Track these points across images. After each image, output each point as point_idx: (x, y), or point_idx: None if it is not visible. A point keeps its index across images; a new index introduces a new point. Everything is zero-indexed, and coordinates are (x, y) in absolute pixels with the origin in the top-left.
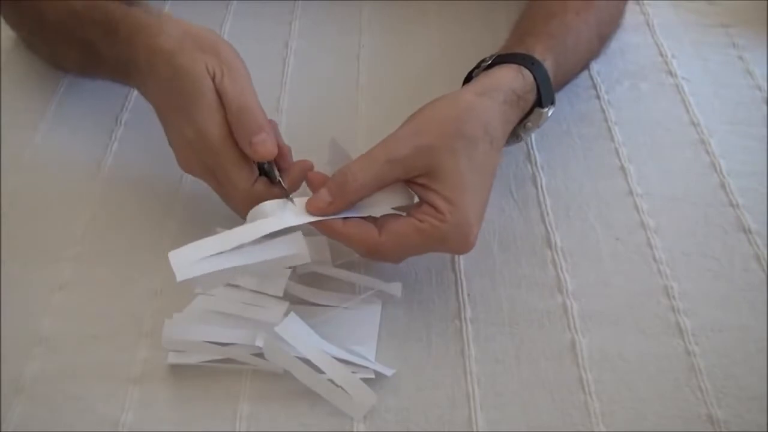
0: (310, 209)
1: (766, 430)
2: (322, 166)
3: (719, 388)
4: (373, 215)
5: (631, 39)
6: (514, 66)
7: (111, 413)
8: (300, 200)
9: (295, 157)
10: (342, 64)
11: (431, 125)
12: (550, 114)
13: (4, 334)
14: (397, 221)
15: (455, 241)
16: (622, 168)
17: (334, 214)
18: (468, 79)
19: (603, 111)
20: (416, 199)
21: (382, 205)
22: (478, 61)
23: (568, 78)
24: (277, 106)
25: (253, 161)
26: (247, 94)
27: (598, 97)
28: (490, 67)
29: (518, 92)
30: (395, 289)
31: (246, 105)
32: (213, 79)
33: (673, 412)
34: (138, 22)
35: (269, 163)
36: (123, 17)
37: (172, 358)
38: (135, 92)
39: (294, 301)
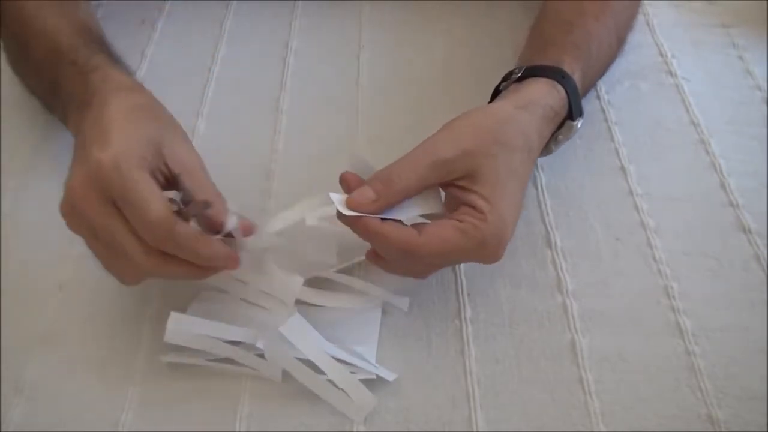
0: (351, 204)
1: (766, 430)
2: (322, 166)
3: (719, 388)
4: (403, 220)
5: (631, 39)
6: (548, 81)
7: (111, 413)
8: (337, 197)
9: (295, 157)
10: (342, 64)
11: (472, 131)
12: (579, 126)
13: (4, 334)
14: (436, 223)
15: (492, 244)
16: (622, 168)
17: (375, 212)
18: (496, 91)
19: (603, 111)
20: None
21: (413, 210)
22: (474, 59)
23: (591, 85)
24: (277, 106)
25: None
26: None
27: (598, 97)
28: (520, 79)
29: (555, 108)
30: (402, 303)
31: (201, 170)
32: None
33: (673, 412)
34: (110, 74)
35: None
36: (99, 66)
37: (170, 357)
38: None
39: (296, 301)
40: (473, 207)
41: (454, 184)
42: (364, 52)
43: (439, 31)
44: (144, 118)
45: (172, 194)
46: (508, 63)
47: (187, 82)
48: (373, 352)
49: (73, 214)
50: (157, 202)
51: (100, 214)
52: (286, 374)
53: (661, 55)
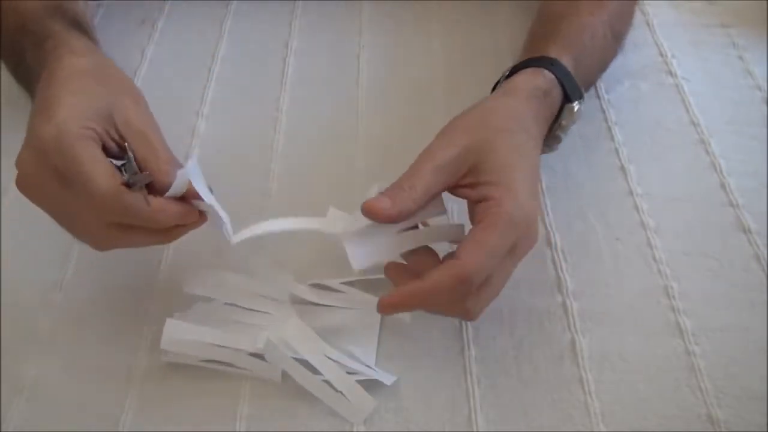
0: (367, 209)
1: (766, 430)
2: (322, 166)
3: (719, 388)
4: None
5: (631, 39)
6: (532, 69)
7: (111, 413)
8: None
9: (295, 157)
10: (342, 64)
11: (463, 128)
12: (579, 108)
13: (4, 334)
14: (464, 240)
15: (522, 223)
16: (622, 168)
17: (392, 220)
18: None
19: (603, 111)
20: (449, 212)
21: (416, 218)
22: (474, 59)
23: (590, 77)
24: (277, 106)
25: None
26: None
27: (598, 97)
28: (509, 77)
29: (542, 88)
30: (404, 315)
31: (154, 132)
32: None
33: (673, 412)
34: (62, 40)
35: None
36: (52, 34)
37: (170, 357)
38: None
39: (294, 301)
40: (486, 199)
41: (462, 185)
42: (364, 52)
43: (439, 31)
44: (92, 84)
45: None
46: (507, 62)
47: (187, 82)
48: (373, 353)
49: (28, 189)
50: (100, 176)
51: (50, 189)
52: (285, 375)
53: (661, 55)
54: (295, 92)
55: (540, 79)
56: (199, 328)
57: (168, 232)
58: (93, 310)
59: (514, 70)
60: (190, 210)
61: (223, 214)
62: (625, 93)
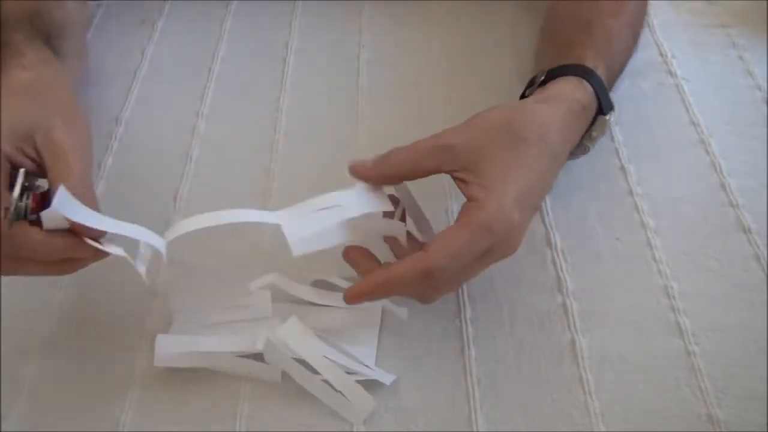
0: (353, 167)
1: (766, 430)
2: (322, 166)
3: (719, 388)
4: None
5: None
6: (574, 78)
7: (111, 413)
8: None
9: (295, 157)
10: (342, 64)
11: (484, 123)
12: (612, 120)
13: (4, 334)
14: (438, 235)
15: (499, 229)
16: (622, 168)
17: (370, 178)
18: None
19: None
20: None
21: (359, 208)
22: (474, 59)
23: (613, 82)
24: (277, 106)
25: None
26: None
27: None
28: (544, 83)
29: (583, 102)
30: (401, 312)
31: (75, 156)
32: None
33: (673, 412)
34: (17, 51)
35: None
36: (9, 43)
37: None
38: (135, 94)
39: (293, 301)
40: (472, 199)
41: (456, 177)
42: (364, 52)
43: (440, 31)
44: (22, 101)
45: (40, 181)
46: (507, 62)
47: (187, 82)
48: (373, 353)
49: None
50: None
51: None
52: (285, 375)
53: (661, 55)
54: (295, 92)
55: (582, 92)
56: (192, 338)
57: (62, 265)
58: (93, 309)
59: (552, 74)
60: (78, 244)
61: (138, 234)
62: (625, 93)
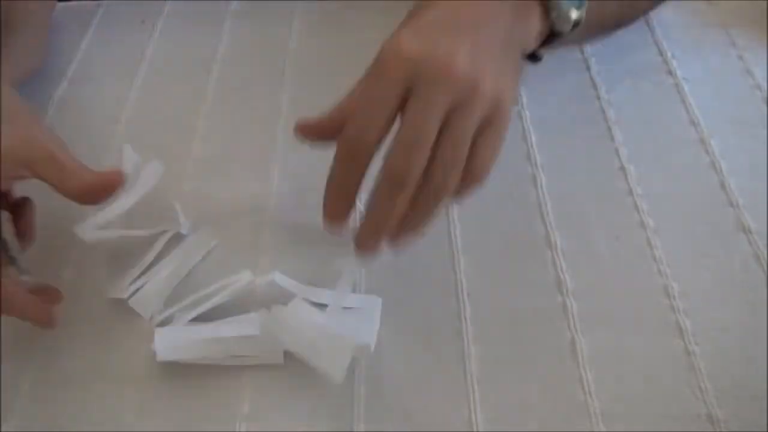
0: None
1: (766, 430)
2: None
3: (719, 388)
4: None
5: (630, 38)
6: None
7: (111, 413)
8: None
9: (295, 158)
10: (342, 64)
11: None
12: (576, 12)
13: (4, 334)
14: None
15: (386, 57)
16: (622, 168)
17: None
18: None
19: (603, 111)
20: None
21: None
22: None
23: (607, 10)
24: (277, 106)
25: None
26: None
27: (598, 97)
28: None
29: None
30: (374, 302)
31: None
32: None
33: (673, 412)
34: None
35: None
36: None
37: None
38: (136, 94)
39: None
40: None
41: None
42: (365, 52)
43: None
44: None
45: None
46: None
47: (187, 82)
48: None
49: None
50: None
51: None
52: (285, 366)
53: (661, 55)
54: (295, 92)
55: None
56: (190, 328)
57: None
58: (93, 309)
59: None
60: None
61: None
62: (625, 93)
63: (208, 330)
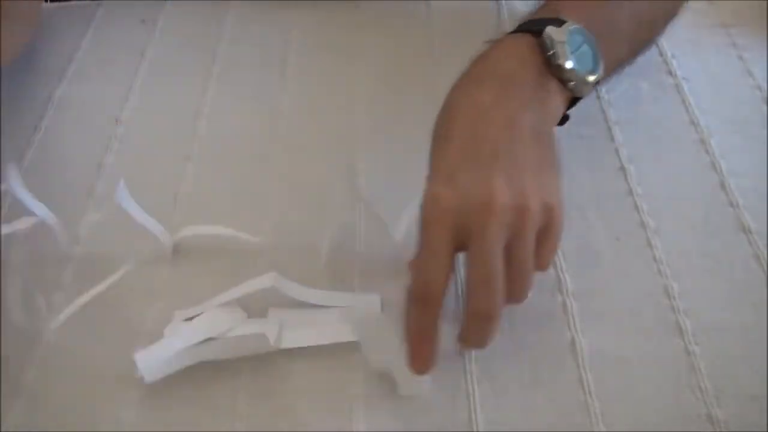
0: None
1: (766, 430)
2: (322, 167)
3: (719, 388)
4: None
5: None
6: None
7: (111, 413)
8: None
9: (295, 158)
10: (343, 64)
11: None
12: (592, 76)
13: (4, 334)
14: None
15: (426, 207)
16: (622, 168)
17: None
18: None
19: (603, 111)
20: None
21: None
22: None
23: (619, 57)
24: (278, 106)
25: None
26: None
27: (598, 97)
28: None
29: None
30: (373, 302)
31: None
32: None
33: (673, 412)
34: None
35: None
36: None
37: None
38: (135, 94)
39: (293, 303)
40: None
41: None
42: (366, 52)
43: (439, 31)
44: None
45: None
46: None
47: (187, 82)
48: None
49: None
50: None
51: None
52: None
53: (661, 54)
54: (295, 93)
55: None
56: (172, 338)
57: None
58: (92, 310)
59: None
60: None
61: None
62: (625, 93)
63: (184, 337)
